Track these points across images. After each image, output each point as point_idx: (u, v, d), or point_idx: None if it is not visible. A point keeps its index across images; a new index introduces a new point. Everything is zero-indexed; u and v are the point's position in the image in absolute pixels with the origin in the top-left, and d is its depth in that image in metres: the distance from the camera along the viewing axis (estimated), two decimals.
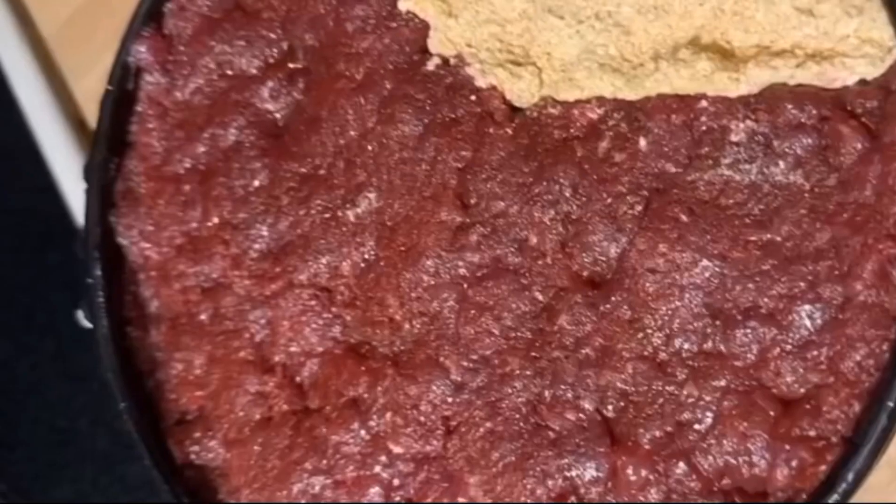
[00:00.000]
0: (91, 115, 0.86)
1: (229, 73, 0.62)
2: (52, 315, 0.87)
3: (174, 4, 0.63)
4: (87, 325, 0.63)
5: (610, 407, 0.51)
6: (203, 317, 0.61)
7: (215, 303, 0.61)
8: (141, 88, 0.64)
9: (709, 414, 0.49)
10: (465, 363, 0.54)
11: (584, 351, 0.52)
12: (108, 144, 0.63)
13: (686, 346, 0.50)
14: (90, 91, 0.86)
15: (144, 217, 0.62)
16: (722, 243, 0.50)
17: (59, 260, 0.87)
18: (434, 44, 0.57)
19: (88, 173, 0.63)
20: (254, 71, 0.62)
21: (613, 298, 0.52)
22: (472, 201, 0.55)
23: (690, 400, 0.50)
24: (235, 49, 0.62)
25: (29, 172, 0.87)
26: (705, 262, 0.50)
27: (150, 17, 0.63)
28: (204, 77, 0.63)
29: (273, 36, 0.62)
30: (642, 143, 0.52)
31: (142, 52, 0.63)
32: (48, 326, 0.87)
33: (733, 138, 0.50)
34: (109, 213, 0.63)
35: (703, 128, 0.51)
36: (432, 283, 0.55)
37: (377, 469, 0.55)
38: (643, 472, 0.50)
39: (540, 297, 0.53)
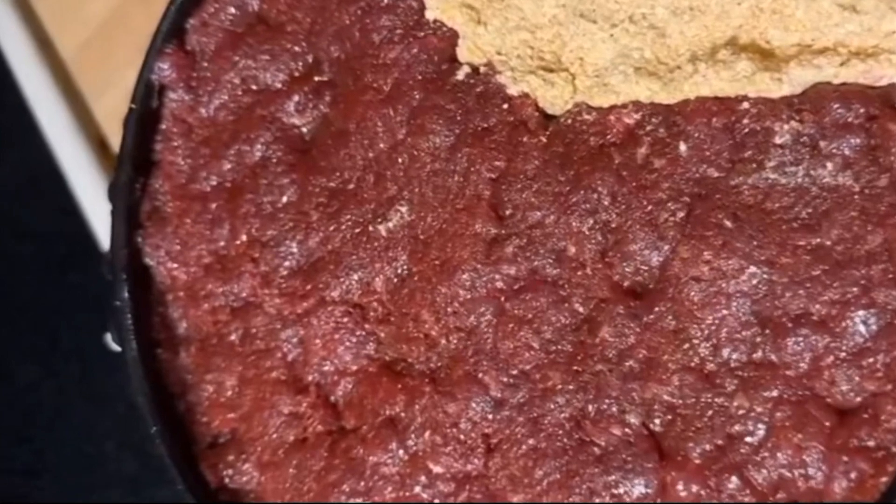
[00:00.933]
0: (112, 134, 0.85)
1: (254, 87, 0.61)
2: (77, 338, 0.87)
3: (196, 20, 0.62)
4: (116, 348, 0.62)
5: (657, 421, 0.50)
6: (233, 337, 0.60)
7: (245, 322, 0.59)
8: (165, 106, 0.63)
9: (761, 426, 0.48)
10: (504, 379, 0.53)
11: (627, 363, 0.50)
12: (132, 164, 0.62)
13: (735, 356, 0.48)
14: (111, 111, 0.85)
15: (171, 237, 0.61)
16: (769, 249, 0.48)
17: (82, 282, 0.87)
18: (463, 52, 0.56)
19: (113, 194, 0.62)
20: (279, 85, 0.61)
21: (657, 309, 0.50)
22: (507, 212, 0.54)
23: (741, 412, 0.48)
24: (259, 63, 0.61)
25: (51, 195, 0.87)
26: (752, 269, 0.48)
27: (172, 34, 0.62)
28: (228, 93, 0.62)
29: (297, 49, 0.60)
30: (682, 147, 0.50)
31: (165, 69, 0.62)
32: (73, 349, 0.87)
33: (777, 140, 0.49)
34: (136, 233, 0.62)
35: (746, 130, 0.49)
36: (468, 297, 0.54)
37: (417, 490, 0.54)
38: (694, 488, 0.48)
39: (580, 309, 0.52)
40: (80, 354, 0.85)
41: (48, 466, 0.85)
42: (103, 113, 0.86)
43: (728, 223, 0.49)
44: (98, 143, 0.86)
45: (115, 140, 0.85)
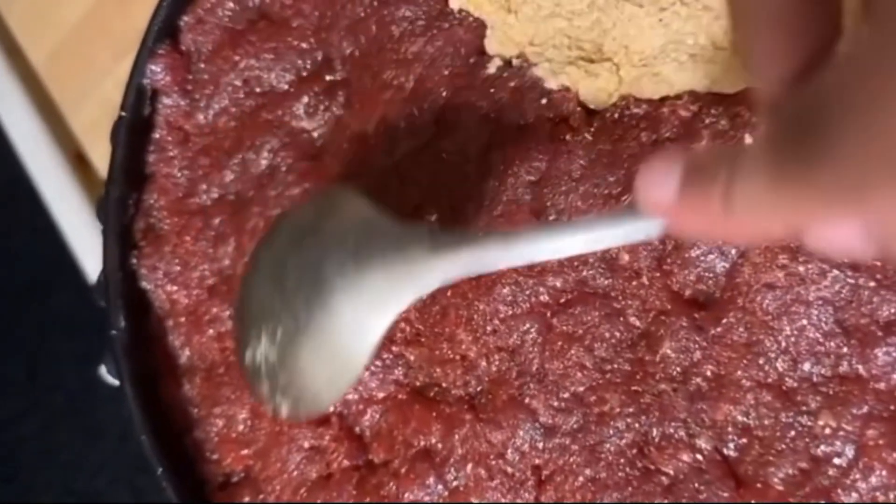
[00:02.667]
0: (90, 148, 0.79)
1: (257, 90, 0.56)
2: (60, 366, 0.80)
3: (191, 17, 0.56)
4: (113, 381, 0.56)
5: (731, 445, 0.45)
6: None
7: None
8: (158, 113, 0.57)
9: (850, 446, 0.43)
10: (554, 403, 0.48)
11: (694, 382, 0.46)
12: (124, 178, 0.56)
13: (817, 369, 0.44)
14: (88, 122, 0.79)
15: (170, 257, 0.56)
16: None
17: (63, 306, 0.80)
18: (492, 44, 0.51)
19: (103, 212, 0.56)
20: (285, 86, 0.55)
21: (725, 320, 0.45)
22: (551, 217, 0.49)
23: (827, 431, 0.43)
24: (263, 63, 0.55)
25: (26, 213, 0.80)
26: (835, 273, 0.43)
27: (164, 33, 0.56)
28: (229, 96, 0.56)
29: (305, 46, 0.55)
30: (748, 140, 0.45)
31: (157, 72, 0.56)
32: (56, 379, 0.80)
33: None
34: (130, 254, 0.56)
35: None
36: (510, 313, 0.49)
37: None
38: None
39: (637, 323, 0.47)
40: (64, 384, 0.79)
41: None
42: (80, 125, 0.79)
43: None
44: (75, 156, 0.79)
45: (93, 153, 0.79)
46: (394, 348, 0.51)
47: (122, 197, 0.56)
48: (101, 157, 0.77)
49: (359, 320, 0.39)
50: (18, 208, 0.81)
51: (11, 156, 0.80)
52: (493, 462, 0.48)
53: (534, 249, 0.36)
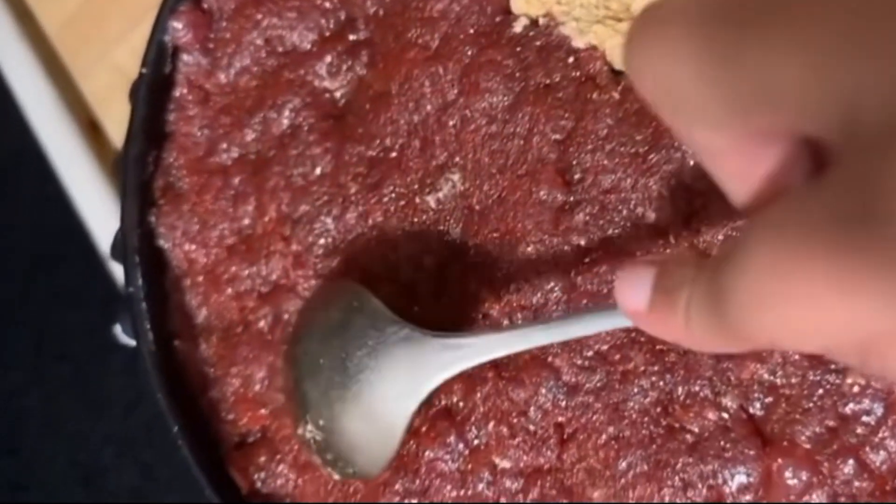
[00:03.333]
0: (103, 115, 0.79)
1: (280, 49, 0.55)
2: (66, 338, 0.79)
3: None
4: (128, 341, 0.56)
5: (757, 403, 0.45)
6: (262, 324, 0.54)
7: (276, 308, 0.53)
8: (179, 71, 0.56)
9: (879, 403, 0.43)
10: (578, 361, 0.47)
11: None
12: (144, 135, 0.55)
13: None
14: (100, 89, 0.79)
15: (189, 215, 0.55)
16: None
17: (71, 277, 0.79)
18: (518, 3, 0.51)
19: (121, 169, 0.56)
20: (308, 46, 0.55)
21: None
22: (576, 177, 0.49)
23: (856, 389, 0.43)
24: (286, 22, 0.55)
25: (35, 182, 0.79)
26: None
27: None
28: (251, 56, 0.56)
29: (328, 5, 0.55)
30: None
31: (179, 29, 0.56)
32: (63, 351, 0.79)
33: None
34: (148, 212, 0.56)
35: None
36: (534, 271, 0.48)
37: (480, 487, 0.48)
38: (804, 475, 0.43)
39: None
40: (71, 356, 0.78)
41: (38, 480, 0.77)
42: (92, 92, 0.78)
43: None
44: (87, 124, 0.79)
45: (105, 121, 0.79)
46: (415, 308, 0.51)
47: (141, 154, 0.55)
48: (114, 124, 0.77)
49: (389, 408, 0.45)
50: (26, 178, 0.81)
51: (20, 124, 0.79)
52: (515, 420, 0.48)
53: (527, 341, 0.43)
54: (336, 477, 0.49)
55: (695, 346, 0.29)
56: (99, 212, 0.77)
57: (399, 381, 0.45)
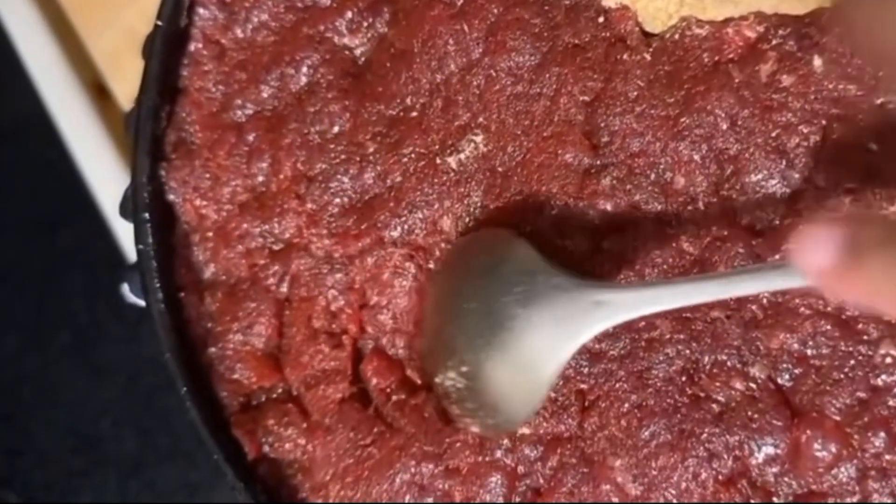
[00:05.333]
0: (111, 78, 0.77)
1: (299, 4, 0.54)
2: (67, 303, 0.78)
3: None
4: (134, 300, 0.55)
5: (786, 374, 0.43)
6: (271, 281, 0.52)
7: (286, 266, 0.52)
8: (194, 25, 0.55)
9: None
10: None
11: (749, 309, 0.44)
12: (157, 89, 0.54)
13: None
14: (110, 52, 0.77)
15: (200, 171, 0.54)
16: None
17: (73, 242, 0.78)
18: None
19: (135, 122, 0.54)
20: (328, 1, 0.53)
21: (784, 247, 0.44)
22: (604, 140, 0.47)
23: (888, 360, 0.42)
24: None
25: (40, 146, 0.78)
26: None
27: None
28: (269, 10, 0.54)
29: None
30: (817, 62, 0.44)
31: None
32: (63, 317, 0.78)
33: None
34: (159, 167, 0.54)
35: None
36: (557, 235, 0.47)
37: (498, 454, 0.47)
38: (833, 448, 0.42)
39: (690, 249, 0.46)
40: (71, 323, 0.76)
41: (34, 445, 0.76)
42: (101, 54, 0.77)
43: (874, 146, 0.43)
44: (95, 88, 0.77)
45: (114, 84, 0.77)
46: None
47: (153, 108, 0.54)
48: (122, 88, 0.76)
49: (536, 357, 0.43)
50: (30, 142, 0.79)
51: (26, 87, 0.77)
52: None
53: (685, 297, 0.41)
54: (475, 430, 0.47)
55: (882, 307, 0.31)
56: (105, 177, 0.75)
57: (547, 331, 0.43)
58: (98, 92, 0.78)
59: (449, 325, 0.46)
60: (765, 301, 0.44)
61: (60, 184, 0.78)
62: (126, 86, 0.72)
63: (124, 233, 0.68)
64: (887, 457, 0.41)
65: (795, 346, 0.43)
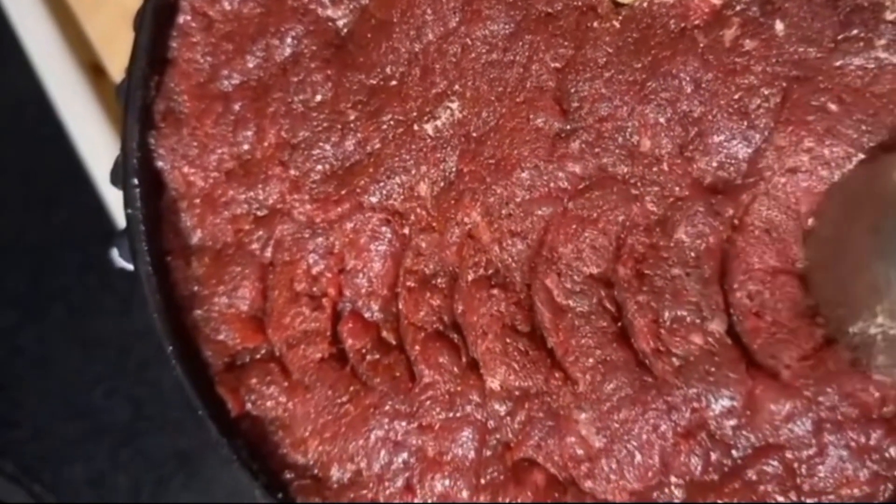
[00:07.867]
0: (107, 57, 0.79)
1: None
2: (62, 277, 0.80)
3: None
4: (123, 264, 0.56)
5: (743, 328, 0.45)
6: (255, 246, 0.54)
7: (270, 231, 0.54)
8: None
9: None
10: (568, 285, 0.48)
11: (708, 265, 0.46)
12: (147, 59, 0.56)
13: None
14: (105, 31, 0.79)
15: (188, 139, 0.56)
16: (879, 134, 0.44)
17: (67, 217, 0.80)
18: None
19: (125, 91, 0.56)
20: None
21: (745, 203, 0.45)
22: (574, 105, 0.49)
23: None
24: None
25: (36, 123, 0.80)
26: (861, 157, 0.44)
27: None
28: None
29: None
30: (778, 27, 0.46)
31: None
32: (57, 290, 0.80)
33: (889, 17, 0.44)
34: (148, 135, 0.56)
35: (851, 6, 0.45)
36: (527, 197, 0.49)
37: (468, 409, 0.48)
38: (788, 402, 0.43)
39: (654, 209, 0.47)
40: (65, 296, 0.78)
41: (28, 416, 0.77)
42: (97, 33, 0.79)
43: (833, 106, 0.44)
44: (91, 66, 0.79)
45: (110, 63, 0.79)
46: (407, 235, 0.51)
47: (143, 78, 0.56)
48: (117, 66, 0.77)
49: None
50: (25, 119, 0.81)
51: (21, 65, 0.79)
52: (510, 342, 0.48)
53: None
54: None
55: None
56: (100, 153, 0.77)
57: None
58: (95, 71, 0.80)
59: (869, 268, 0.40)
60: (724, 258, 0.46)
61: (55, 161, 0.79)
62: (120, 62, 0.74)
63: (116, 204, 0.70)
64: (842, 409, 0.43)
65: (752, 301, 0.45)
